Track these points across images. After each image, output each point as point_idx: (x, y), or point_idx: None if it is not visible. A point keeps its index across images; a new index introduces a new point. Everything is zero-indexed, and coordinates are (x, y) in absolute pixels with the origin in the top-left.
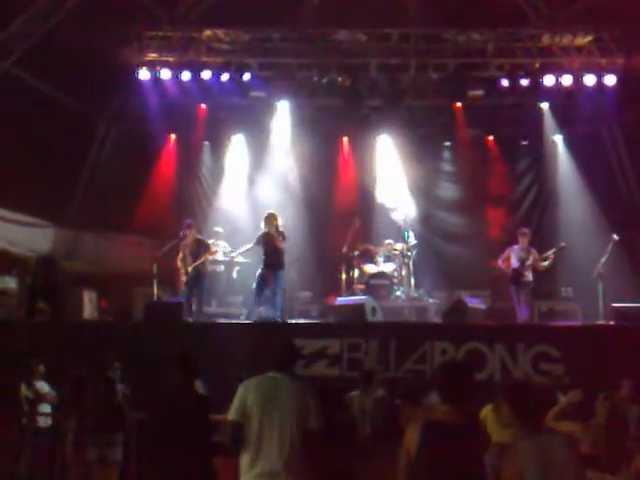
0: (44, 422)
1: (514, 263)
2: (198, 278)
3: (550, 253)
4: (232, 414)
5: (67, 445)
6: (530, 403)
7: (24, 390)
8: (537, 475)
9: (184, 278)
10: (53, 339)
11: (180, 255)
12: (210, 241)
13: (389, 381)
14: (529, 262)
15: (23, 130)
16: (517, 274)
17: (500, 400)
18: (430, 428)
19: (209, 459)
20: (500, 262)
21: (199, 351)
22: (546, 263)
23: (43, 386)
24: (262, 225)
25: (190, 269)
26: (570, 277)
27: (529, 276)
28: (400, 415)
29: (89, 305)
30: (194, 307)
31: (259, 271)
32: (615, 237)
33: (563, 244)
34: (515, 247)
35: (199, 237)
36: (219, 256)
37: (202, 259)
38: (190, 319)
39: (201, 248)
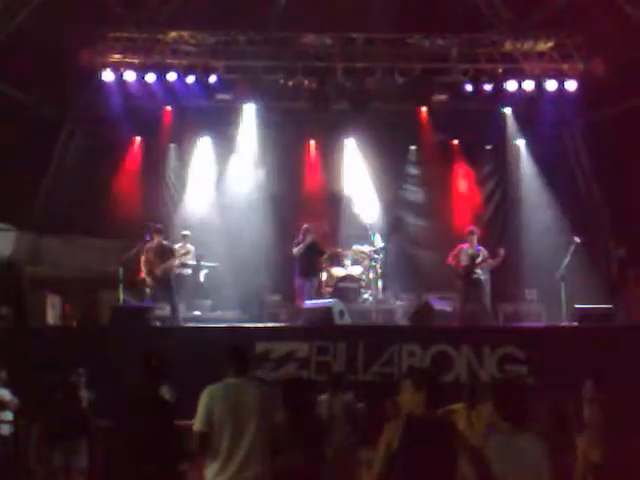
0: (6, 430)
1: (464, 260)
2: (165, 282)
3: (498, 250)
4: (198, 425)
5: (30, 452)
6: (517, 401)
7: None
8: (503, 471)
9: (149, 281)
10: (16, 345)
11: (143, 258)
12: (178, 245)
13: (357, 384)
14: (479, 260)
15: None
16: (467, 271)
17: (473, 401)
18: (413, 423)
19: (175, 466)
20: (450, 259)
21: (166, 356)
22: (495, 260)
23: (5, 393)
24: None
25: (158, 272)
26: (534, 279)
27: (479, 273)
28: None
29: (53, 310)
30: (167, 312)
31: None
32: (577, 239)
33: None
34: (465, 246)
35: (164, 243)
36: (187, 259)
37: (170, 263)
38: (157, 323)
39: (166, 253)
